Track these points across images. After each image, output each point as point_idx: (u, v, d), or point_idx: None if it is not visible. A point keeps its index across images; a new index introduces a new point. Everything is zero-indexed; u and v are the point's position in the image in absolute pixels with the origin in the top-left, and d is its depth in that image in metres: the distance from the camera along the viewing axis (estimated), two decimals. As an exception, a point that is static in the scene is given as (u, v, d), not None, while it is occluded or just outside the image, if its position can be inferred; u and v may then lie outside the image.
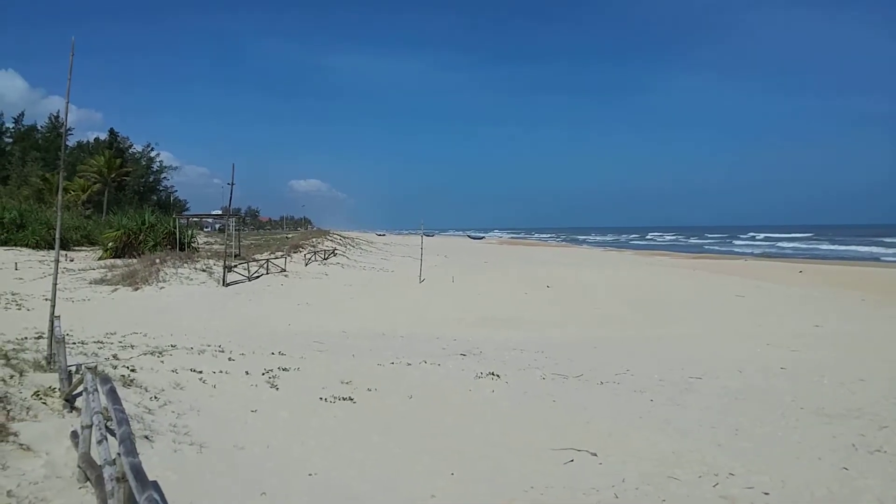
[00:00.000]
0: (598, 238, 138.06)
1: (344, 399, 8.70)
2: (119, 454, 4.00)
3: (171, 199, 73.77)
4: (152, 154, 71.48)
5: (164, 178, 73.97)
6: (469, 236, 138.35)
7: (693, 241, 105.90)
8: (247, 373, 9.47)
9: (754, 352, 13.84)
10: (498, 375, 10.30)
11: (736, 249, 77.77)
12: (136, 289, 22.45)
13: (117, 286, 22.49)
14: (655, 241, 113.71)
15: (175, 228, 32.19)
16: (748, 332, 16.53)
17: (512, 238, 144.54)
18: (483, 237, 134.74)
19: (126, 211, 37.63)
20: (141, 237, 30.63)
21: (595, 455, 7.24)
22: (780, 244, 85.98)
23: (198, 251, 32.13)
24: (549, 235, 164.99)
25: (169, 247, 30.58)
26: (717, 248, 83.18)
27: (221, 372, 9.32)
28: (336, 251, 41.17)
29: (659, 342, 15.33)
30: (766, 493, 6.34)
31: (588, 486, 6.44)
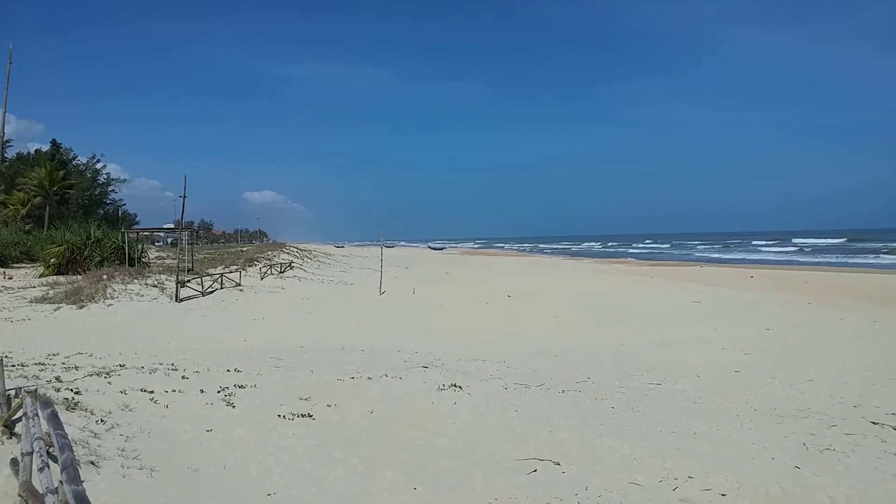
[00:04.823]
0: (556, 247, 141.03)
1: (303, 415, 8.50)
2: (62, 482, 3.79)
3: (120, 212, 71.35)
4: (98, 166, 68.77)
5: (112, 191, 71.25)
6: (430, 247, 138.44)
7: (654, 248, 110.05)
8: (201, 391, 9.16)
9: (711, 356, 14.18)
10: (460, 387, 10.24)
11: (692, 256, 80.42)
12: (82, 307, 21.55)
13: (60, 304, 21.55)
14: (615, 249, 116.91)
15: (124, 243, 31.12)
16: (704, 338, 16.94)
17: (473, 248, 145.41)
18: (444, 248, 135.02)
19: (70, 225, 36.08)
20: (86, 252, 29.48)
21: (558, 464, 7.25)
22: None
23: (149, 266, 31.14)
24: (510, 245, 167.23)
25: (117, 262, 29.51)
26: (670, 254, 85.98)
27: (174, 391, 8.99)
28: (293, 264, 40.55)
29: (619, 349, 15.55)
30: (723, 495, 6.47)
31: (552, 496, 6.43)
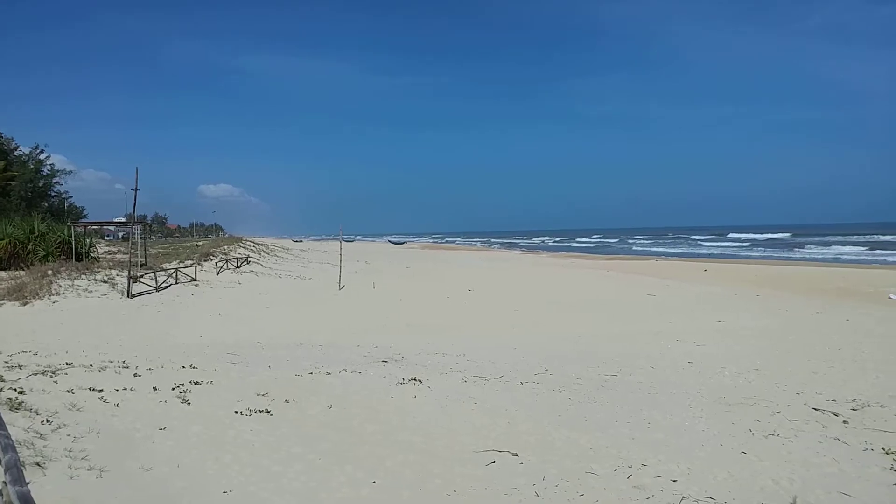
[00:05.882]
0: (508, 241, 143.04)
1: (261, 411, 8.37)
2: (6, 483, 3.66)
3: (66, 205, 68.52)
4: (42, 157, 65.75)
5: (57, 182, 68.19)
6: (390, 241, 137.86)
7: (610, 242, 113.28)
8: (154, 388, 8.93)
9: (665, 348, 14.57)
10: (420, 380, 10.26)
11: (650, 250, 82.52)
12: (25, 304, 20.72)
13: (2, 301, 20.67)
14: (565, 243, 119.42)
15: (70, 237, 29.95)
16: (659, 330, 17.39)
17: (432, 243, 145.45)
18: (405, 242, 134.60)
19: (11, 219, 34.46)
20: (30, 247, 28.23)
21: (516, 455, 7.34)
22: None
23: (98, 261, 30.08)
24: (462, 240, 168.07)
25: (64, 257, 28.41)
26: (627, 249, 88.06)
27: (125, 389, 8.74)
28: (249, 259, 39.80)
29: (577, 342, 15.84)
30: (675, 480, 6.67)
31: (510, 486, 6.52)
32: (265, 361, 11.81)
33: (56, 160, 65.73)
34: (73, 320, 18.53)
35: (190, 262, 33.28)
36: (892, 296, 24.50)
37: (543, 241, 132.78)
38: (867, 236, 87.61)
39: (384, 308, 23.16)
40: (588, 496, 6.31)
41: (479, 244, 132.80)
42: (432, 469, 6.93)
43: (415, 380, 10.29)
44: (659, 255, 69.28)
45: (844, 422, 8.62)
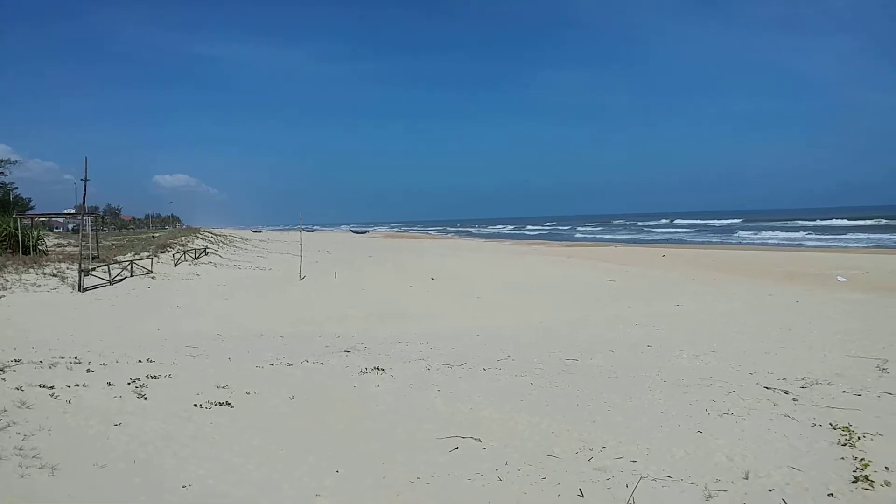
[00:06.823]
0: (463, 229, 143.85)
1: (221, 404, 8.22)
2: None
3: (11, 197, 65.63)
4: (-15, 147, 62.79)
5: (1, 173, 65.28)
6: (352, 230, 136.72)
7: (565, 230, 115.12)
8: (109, 384, 8.67)
9: (625, 332, 14.85)
10: (383, 369, 10.23)
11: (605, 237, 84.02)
12: (-29, 299, 19.80)
13: (-54, 297, 19.72)
14: (524, 231, 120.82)
15: (16, 230, 28.73)
16: (619, 314, 17.73)
17: (397, 231, 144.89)
18: (367, 231, 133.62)
19: (-46, 212, 32.88)
20: (-26, 241, 27.03)
21: (479, 441, 7.39)
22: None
23: (47, 254, 28.96)
24: (418, 229, 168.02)
25: (10, 251, 27.26)
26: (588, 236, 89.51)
27: (78, 385, 8.46)
28: (208, 250, 38.93)
29: (538, 327, 16.03)
30: (634, 461, 6.82)
31: (473, 472, 6.56)
32: (225, 353, 11.60)
33: (0, 150, 62.78)
34: (22, 316, 17.85)
35: (146, 253, 32.38)
36: (839, 278, 25.53)
37: (499, 230, 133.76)
38: (799, 222, 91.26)
39: (346, 298, 22.98)
40: (550, 479, 6.41)
41: (433, 232, 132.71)
42: (395, 457, 6.93)
43: (378, 369, 10.26)
44: (615, 241, 70.67)
45: (794, 399, 8.94)
